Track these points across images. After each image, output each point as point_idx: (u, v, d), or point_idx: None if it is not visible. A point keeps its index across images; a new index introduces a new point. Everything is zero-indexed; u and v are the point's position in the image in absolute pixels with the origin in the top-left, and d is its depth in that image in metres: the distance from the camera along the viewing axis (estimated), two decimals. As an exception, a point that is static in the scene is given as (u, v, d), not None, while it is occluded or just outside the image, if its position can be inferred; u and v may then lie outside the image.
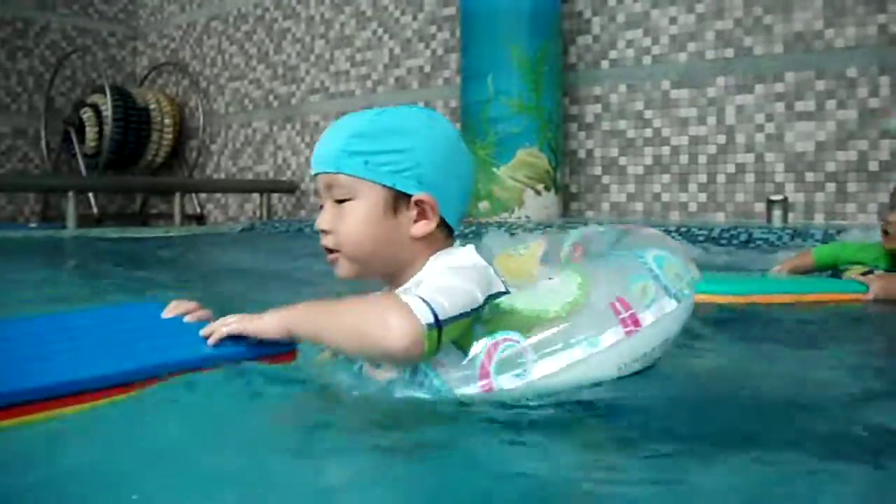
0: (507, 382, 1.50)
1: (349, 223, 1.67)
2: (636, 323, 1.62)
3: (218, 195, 11.55)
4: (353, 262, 1.71)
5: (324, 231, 1.70)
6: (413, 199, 1.67)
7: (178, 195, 9.50)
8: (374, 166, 1.66)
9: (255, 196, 10.56)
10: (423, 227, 1.69)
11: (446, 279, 1.55)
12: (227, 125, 11.46)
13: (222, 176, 11.56)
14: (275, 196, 10.58)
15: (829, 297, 3.06)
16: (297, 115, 10.45)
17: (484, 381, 1.50)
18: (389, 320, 1.42)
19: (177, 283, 4.46)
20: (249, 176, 11.10)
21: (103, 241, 7.53)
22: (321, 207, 1.71)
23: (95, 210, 10.96)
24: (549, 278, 1.78)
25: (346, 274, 1.73)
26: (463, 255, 1.70)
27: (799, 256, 3.66)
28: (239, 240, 8.24)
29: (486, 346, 1.51)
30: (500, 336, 1.53)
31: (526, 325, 1.55)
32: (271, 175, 10.78)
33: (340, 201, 1.67)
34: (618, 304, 1.62)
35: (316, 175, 1.70)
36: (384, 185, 1.66)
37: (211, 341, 1.56)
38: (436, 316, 1.43)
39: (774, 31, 6.99)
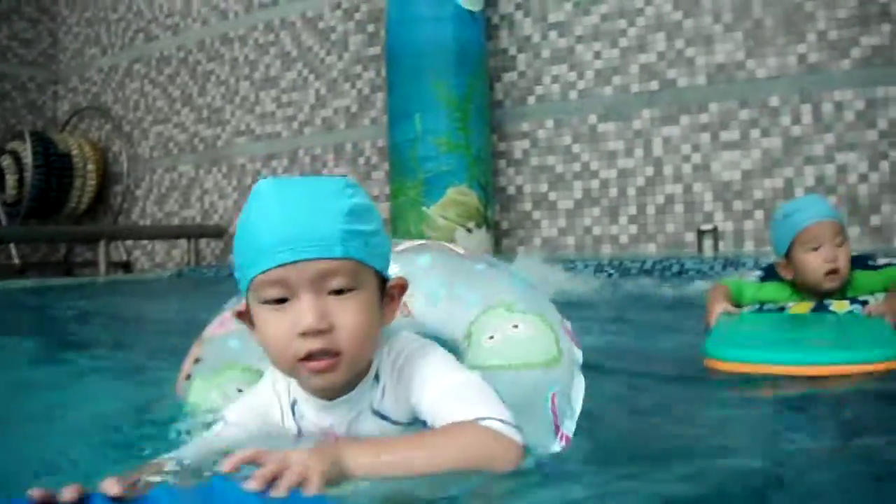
0: (569, 428, 1.56)
1: (356, 319, 1.40)
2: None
3: (144, 241, 11.32)
4: (351, 366, 1.43)
5: (318, 332, 1.37)
6: (389, 284, 1.52)
7: (102, 243, 9.26)
8: (373, 248, 1.44)
9: (183, 242, 10.36)
10: (393, 312, 1.55)
11: (459, 378, 1.49)
12: (152, 169, 11.25)
13: (148, 222, 11.34)
14: (203, 241, 10.39)
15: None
16: (224, 157, 10.30)
17: (560, 434, 1.53)
18: (495, 454, 1.35)
19: (102, 336, 4.32)
20: (176, 221, 10.89)
21: (25, 294, 7.31)
22: (276, 301, 1.39)
23: (17, 261, 10.67)
24: (515, 326, 1.73)
25: (336, 383, 1.44)
26: (407, 338, 1.59)
27: (716, 298, 3.15)
28: (167, 287, 8.09)
29: (548, 400, 1.54)
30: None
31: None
32: (199, 220, 10.59)
33: (337, 292, 1.40)
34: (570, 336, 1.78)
35: (288, 264, 1.35)
36: (376, 272, 1.47)
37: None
38: (515, 426, 1.39)
39: (697, 63, 7.07)
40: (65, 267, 11.76)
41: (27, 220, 11.09)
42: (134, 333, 4.54)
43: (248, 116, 10.04)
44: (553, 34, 7.74)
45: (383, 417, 1.51)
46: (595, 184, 7.52)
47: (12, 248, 10.73)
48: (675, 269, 5.78)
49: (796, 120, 6.71)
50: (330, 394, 1.49)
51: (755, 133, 6.85)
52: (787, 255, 3.11)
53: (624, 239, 7.39)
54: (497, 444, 1.35)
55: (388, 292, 1.52)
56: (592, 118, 7.54)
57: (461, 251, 2.04)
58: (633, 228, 7.34)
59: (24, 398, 2.53)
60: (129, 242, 11.45)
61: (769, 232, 3.29)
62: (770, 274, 3.35)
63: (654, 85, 7.26)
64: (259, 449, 1.18)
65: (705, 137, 7.03)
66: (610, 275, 5.87)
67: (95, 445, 1.79)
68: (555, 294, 4.56)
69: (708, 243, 6.42)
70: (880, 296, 3.01)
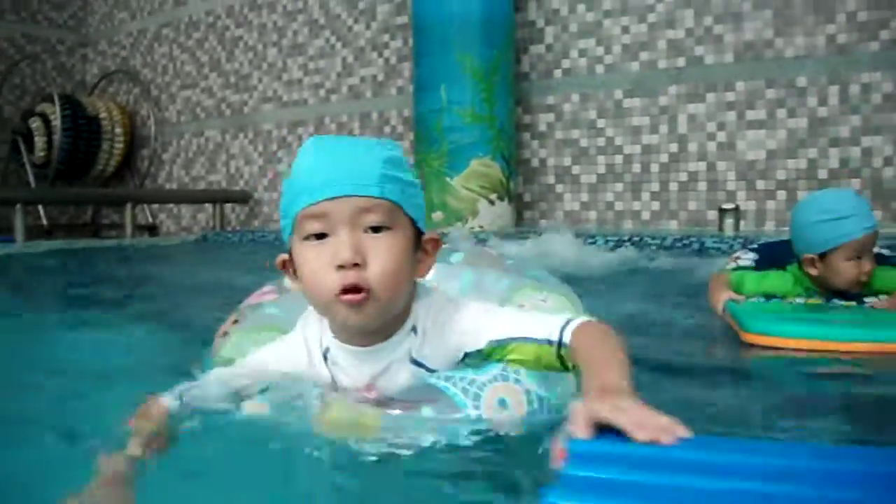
0: None
1: (388, 257, 1.48)
2: None
3: (170, 205, 11.42)
4: (383, 305, 1.49)
5: (352, 266, 1.44)
6: (423, 237, 1.60)
7: (129, 206, 9.35)
8: (408, 197, 1.53)
9: (208, 206, 10.45)
10: (428, 267, 1.62)
11: (512, 309, 1.71)
12: (180, 134, 11.34)
13: (174, 186, 11.44)
14: (228, 206, 10.46)
15: None
16: (250, 123, 10.36)
17: None
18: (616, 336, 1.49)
19: (128, 300, 4.37)
20: (202, 185, 10.98)
21: (53, 255, 7.40)
22: (316, 237, 1.47)
23: (45, 222, 10.79)
24: (543, 300, 1.93)
25: (368, 322, 1.50)
26: (442, 295, 1.69)
27: (717, 287, 3.21)
28: (192, 251, 8.16)
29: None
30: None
31: None
32: (224, 185, 10.67)
33: (375, 230, 1.48)
34: None
35: (331, 199, 1.45)
36: (411, 220, 1.55)
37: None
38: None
39: (725, 41, 7.04)
40: (92, 229, 11.87)
41: (55, 182, 11.20)
42: (161, 297, 4.60)
43: (275, 83, 10.08)
44: (581, 7, 7.72)
45: (419, 365, 1.58)
46: (619, 159, 7.52)
47: (40, 209, 10.84)
48: (696, 246, 5.77)
49: (823, 101, 6.68)
50: (364, 340, 1.56)
51: (781, 113, 6.82)
52: (823, 254, 3.01)
53: (646, 215, 7.39)
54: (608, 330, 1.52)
55: (423, 246, 1.59)
56: (618, 93, 7.53)
57: (493, 252, 2.27)
58: (656, 205, 7.35)
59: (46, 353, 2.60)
60: (156, 206, 11.56)
61: (800, 222, 3.09)
62: (766, 257, 3.36)
63: (681, 61, 7.23)
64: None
65: (731, 116, 7.00)
66: (627, 248, 5.87)
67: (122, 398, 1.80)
68: (576, 268, 4.63)
69: (729, 222, 6.41)
70: (883, 297, 3.03)
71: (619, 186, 7.52)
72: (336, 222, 1.46)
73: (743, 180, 6.95)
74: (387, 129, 8.96)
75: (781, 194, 6.80)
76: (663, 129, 7.30)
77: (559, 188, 7.87)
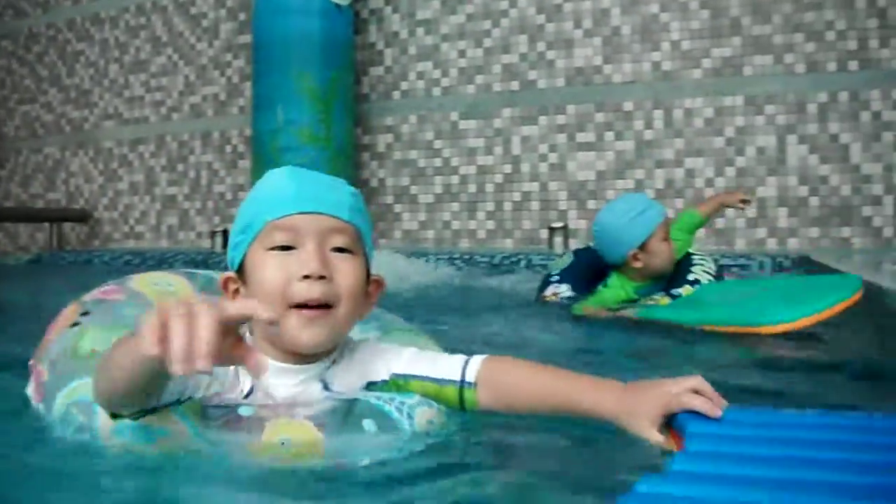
0: None
1: (353, 278, 1.53)
2: None
3: (7, 224, 11.00)
4: (339, 324, 1.53)
5: (318, 278, 1.47)
6: (372, 278, 1.66)
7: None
8: (367, 233, 1.60)
9: (47, 225, 10.12)
10: (369, 308, 1.68)
11: (415, 349, 1.69)
12: (17, 150, 10.94)
13: (12, 204, 11.03)
14: (67, 225, 10.15)
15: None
16: (91, 140, 10.09)
17: None
18: None
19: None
20: (41, 204, 10.63)
21: None
22: (281, 249, 1.49)
23: None
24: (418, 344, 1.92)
25: (324, 340, 1.52)
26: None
27: (599, 311, 3.47)
28: (24, 272, 7.90)
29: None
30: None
31: None
32: (64, 203, 10.36)
33: (340, 250, 1.53)
34: None
35: (303, 213, 1.49)
36: (365, 258, 1.61)
37: None
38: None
39: (557, 66, 7.27)
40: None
41: None
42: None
43: (116, 100, 9.85)
44: (420, 31, 7.85)
45: (326, 387, 1.59)
46: (455, 179, 7.66)
47: None
48: (523, 264, 5.94)
49: (648, 124, 6.97)
50: (295, 357, 1.56)
51: (609, 135, 7.08)
52: (643, 245, 3.50)
53: (482, 234, 7.54)
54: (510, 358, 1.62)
55: (367, 287, 1.64)
56: (454, 115, 7.67)
57: None
58: (491, 224, 7.51)
59: None
60: (-8, 225, 11.13)
61: (613, 229, 3.56)
62: (572, 279, 3.89)
63: (514, 85, 7.43)
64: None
65: (562, 138, 7.23)
66: (460, 268, 5.99)
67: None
68: (402, 287, 4.68)
69: (558, 240, 6.61)
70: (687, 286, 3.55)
71: (456, 206, 7.66)
72: (304, 236, 1.49)
73: (574, 200, 7.18)
74: (228, 149, 8.87)
75: (610, 214, 7.03)
76: (498, 150, 7.47)
77: (398, 208, 7.95)
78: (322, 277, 1.47)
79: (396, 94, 7.96)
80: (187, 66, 9.21)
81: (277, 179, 1.57)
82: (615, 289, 3.60)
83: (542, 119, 7.31)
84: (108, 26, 9.94)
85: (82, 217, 9.97)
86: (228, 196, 8.83)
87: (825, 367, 2.42)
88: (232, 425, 1.41)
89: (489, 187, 7.51)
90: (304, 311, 1.47)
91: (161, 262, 7.54)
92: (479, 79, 7.58)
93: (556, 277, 3.97)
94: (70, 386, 1.59)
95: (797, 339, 2.67)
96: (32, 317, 4.22)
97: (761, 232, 6.63)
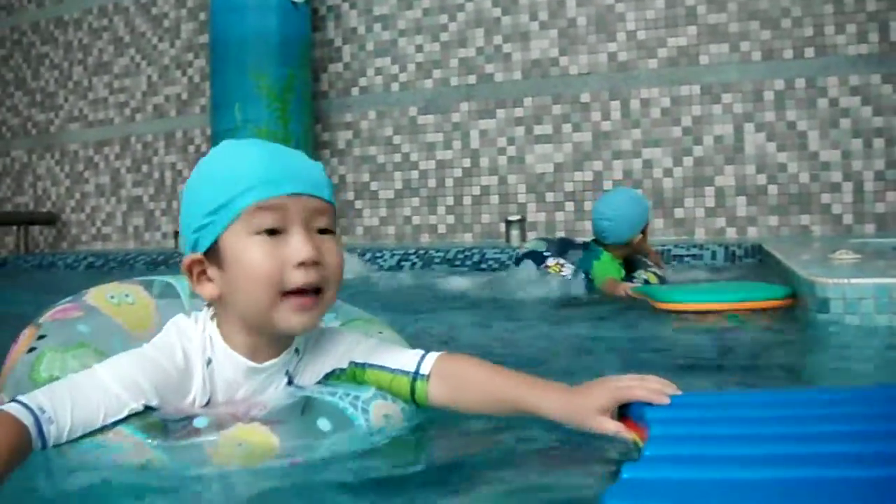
0: None
1: (339, 259, 1.49)
2: None
3: (-24, 229, 10.96)
4: (325, 308, 1.50)
5: (313, 264, 1.43)
6: None
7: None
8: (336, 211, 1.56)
9: (15, 228, 10.06)
10: None
11: (376, 339, 1.72)
12: (-16, 155, 10.90)
13: (-19, 208, 10.98)
14: (35, 228, 10.11)
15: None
16: (56, 143, 10.04)
17: None
18: None
19: None
20: (9, 207, 10.57)
21: None
22: (268, 233, 1.42)
23: None
24: (380, 332, 1.89)
25: (313, 325, 1.50)
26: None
27: (615, 284, 3.98)
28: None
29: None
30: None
31: None
32: (32, 206, 10.31)
33: (323, 232, 1.47)
34: None
35: (290, 195, 1.42)
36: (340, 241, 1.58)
37: None
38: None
39: (513, 59, 7.26)
40: None
41: None
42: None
43: (80, 102, 9.80)
44: (377, 26, 7.84)
45: (290, 382, 1.57)
46: (415, 174, 7.64)
47: None
48: (476, 258, 5.91)
49: (606, 115, 6.96)
50: (261, 354, 1.53)
51: (567, 127, 7.07)
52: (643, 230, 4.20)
53: (442, 229, 7.53)
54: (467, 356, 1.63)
55: None
56: (413, 110, 7.66)
57: None
58: (451, 218, 7.49)
59: None
60: (-39, 230, 11.06)
61: (627, 213, 4.14)
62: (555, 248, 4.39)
63: (472, 79, 7.42)
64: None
65: (520, 131, 7.22)
66: (413, 265, 5.96)
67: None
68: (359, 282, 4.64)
69: (515, 233, 6.58)
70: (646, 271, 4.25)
71: (416, 201, 7.64)
72: (291, 219, 1.42)
73: (533, 193, 7.17)
74: (191, 148, 8.84)
75: (570, 205, 7.04)
76: (457, 144, 7.46)
77: (358, 204, 7.93)
78: (316, 263, 1.42)
79: (355, 91, 7.94)
80: (150, 66, 9.17)
81: (251, 155, 1.46)
82: (607, 263, 4.13)
83: (500, 112, 7.30)
84: (71, 28, 9.89)
85: (50, 220, 9.93)
86: (193, 196, 8.75)
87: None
88: (190, 436, 1.37)
89: (449, 182, 7.50)
90: (300, 299, 1.43)
91: (122, 263, 7.52)
92: (437, 73, 7.57)
93: (548, 252, 4.34)
94: None
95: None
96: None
97: (720, 221, 6.62)
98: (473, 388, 1.52)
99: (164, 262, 7.12)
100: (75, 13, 9.84)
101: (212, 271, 1.48)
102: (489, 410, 1.52)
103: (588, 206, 6.91)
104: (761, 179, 6.56)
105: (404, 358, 1.59)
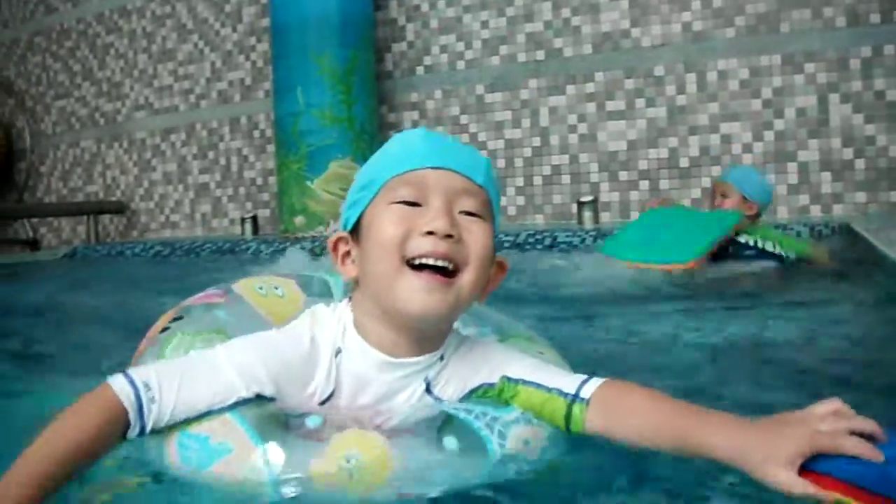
0: None
1: (484, 242, 1.36)
2: None
3: (50, 218, 11.06)
4: (461, 296, 1.35)
5: (444, 237, 1.31)
6: (497, 260, 1.46)
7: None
8: (497, 207, 1.45)
9: (86, 218, 10.12)
10: (490, 290, 1.48)
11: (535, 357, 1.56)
12: (55, 146, 10.97)
13: (53, 198, 11.07)
14: (106, 217, 10.17)
15: None
16: (124, 132, 10.06)
17: None
18: None
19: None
20: (80, 197, 10.64)
21: None
22: (406, 204, 1.34)
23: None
24: (540, 353, 1.67)
25: (440, 310, 1.33)
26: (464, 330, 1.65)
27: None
28: (59, 267, 7.86)
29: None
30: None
31: None
32: (102, 196, 10.36)
33: (469, 214, 1.36)
34: None
35: (434, 168, 1.35)
36: (492, 231, 1.42)
37: None
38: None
39: (583, 32, 7.02)
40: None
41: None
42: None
43: (146, 90, 9.80)
44: (441, 3, 7.64)
45: (428, 391, 1.43)
46: (483, 154, 7.41)
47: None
48: (548, 241, 5.70)
49: (681, 89, 6.69)
50: (400, 348, 1.40)
51: (640, 103, 6.81)
52: None
53: (512, 210, 7.33)
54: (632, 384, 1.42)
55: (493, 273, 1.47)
56: (480, 88, 7.45)
57: None
58: (521, 200, 7.29)
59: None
60: (36, 220, 11.18)
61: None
62: None
63: (540, 54, 7.19)
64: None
65: (591, 107, 6.98)
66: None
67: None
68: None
69: (588, 215, 6.35)
70: None
71: (485, 183, 7.42)
72: (432, 193, 1.34)
73: (606, 171, 6.93)
74: (256, 134, 8.77)
75: (644, 184, 6.79)
76: (525, 122, 7.25)
77: (426, 187, 7.74)
78: (449, 237, 1.30)
79: (420, 70, 7.76)
80: (213, 52, 9.11)
81: (407, 137, 1.44)
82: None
83: (570, 88, 7.05)
84: (135, 17, 9.88)
85: (119, 209, 9.99)
86: (259, 181, 8.73)
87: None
88: (299, 437, 1.27)
89: (518, 161, 7.29)
90: (424, 275, 1.30)
91: (189, 251, 7.47)
92: (504, 49, 7.34)
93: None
94: None
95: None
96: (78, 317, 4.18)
97: (804, 199, 6.31)
98: (635, 416, 1.31)
99: (231, 249, 7.04)
100: (138, 2, 9.82)
101: (354, 249, 1.44)
102: (649, 443, 1.28)
103: (664, 184, 6.67)
104: (847, 153, 6.22)
105: (564, 380, 1.41)
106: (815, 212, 6.28)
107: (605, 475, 1.35)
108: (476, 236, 1.34)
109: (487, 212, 1.39)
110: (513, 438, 1.32)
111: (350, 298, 1.47)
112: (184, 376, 1.29)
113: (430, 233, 1.30)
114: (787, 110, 6.36)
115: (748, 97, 6.47)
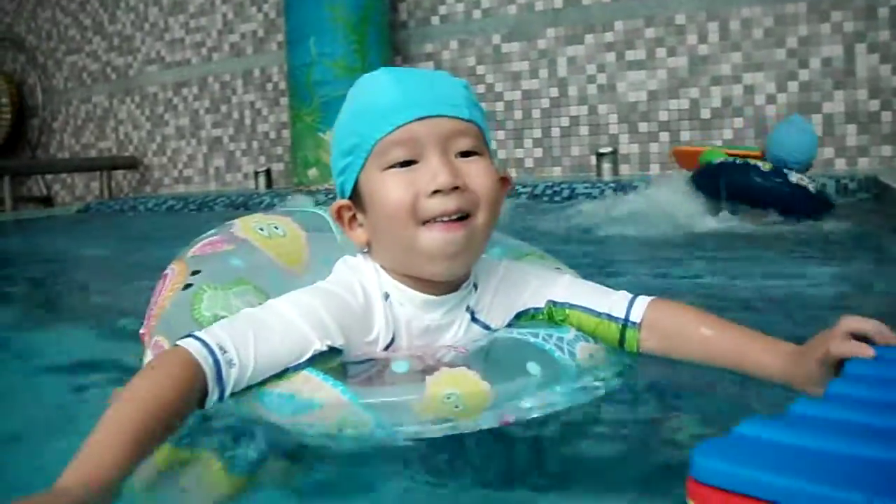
0: None
1: (487, 181, 1.33)
2: None
3: (64, 175, 10.99)
4: (479, 234, 1.34)
5: (451, 189, 1.29)
6: (501, 176, 1.41)
7: (6, 178, 8.93)
8: (487, 130, 1.40)
9: (99, 174, 10.06)
10: (500, 211, 1.44)
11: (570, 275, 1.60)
12: (68, 102, 10.88)
13: (66, 155, 11.01)
14: (119, 173, 10.10)
15: None
16: (136, 87, 9.96)
17: None
18: None
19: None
20: (93, 153, 10.57)
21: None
22: (401, 165, 1.30)
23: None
24: (557, 268, 1.72)
25: (467, 257, 1.36)
26: (491, 255, 1.63)
27: None
28: (73, 222, 7.81)
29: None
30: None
31: None
32: (115, 151, 10.28)
33: (465, 155, 1.33)
34: None
35: (419, 120, 1.30)
36: (491, 162, 1.39)
37: None
38: None
39: (602, -21, 6.85)
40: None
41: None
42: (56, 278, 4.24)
43: (157, 43, 9.69)
44: (457, -49, 7.49)
45: (474, 320, 1.45)
46: (500, 106, 7.33)
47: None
48: (566, 193, 5.59)
49: (703, 38, 6.53)
50: (433, 287, 1.39)
51: (661, 52, 6.66)
52: None
53: (529, 163, 7.22)
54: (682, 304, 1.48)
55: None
56: (496, 38, 7.32)
57: None
58: (539, 152, 7.18)
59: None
60: (49, 177, 11.13)
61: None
62: None
63: (558, 3, 7.05)
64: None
65: (610, 57, 6.84)
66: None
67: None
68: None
69: (607, 166, 6.24)
70: None
71: (502, 134, 7.33)
72: (425, 147, 1.30)
73: (625, 123, 6.81)
74: (269, 86, 8.66)
75: (664, 136, 6.66)
76: (543, 73, 7.11)
77: (441, 139, 7.63)
78: (455, 189, 1.29)
79: (435, 20, 7.62)
80: (224, 3, 8.99)
81: (377, 85, 1.35)
82: None
83: (589, 37, 6.91)
84: (145, -33, 9.75)
85: (132, 164, 9.93)
86: (272, 135, 8.64)
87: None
88: (386, 384, 1.26)
89: (535, 113, 7.17)
90: (440, 227, 1.29)
91: (202, 205, 7.40)
92: (521, -2, 7.20)
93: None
94: None
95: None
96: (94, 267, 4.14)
97: (828, 151, 6.16)
98: (691, 341, 1.37)
99: (245, 203, 6.96)
100: (149, -47, 9.69)
101: (360, 216, 1.41)
102: (706, 363, 1.36)
103: (684, 136, 6.53)
104: (874, 105, 6.06)
105: (611, 301, 1.45)
106: (841, 165, 6.14)
107: (672, 389, 1.45)
108: (479, 179, 1.32)
109: (481, 145, 1.36)
110: (580, 355, 1.37)
111: (367, 250, 1.45)
112: (257, 335, 1.23)
113: (436, 191, 1.28)
114: (812, 60, 6.20)
115: (772, 46, 6.31)
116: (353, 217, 1.42)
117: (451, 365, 1.28)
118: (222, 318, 1.36)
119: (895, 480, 0.72)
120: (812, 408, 0.91)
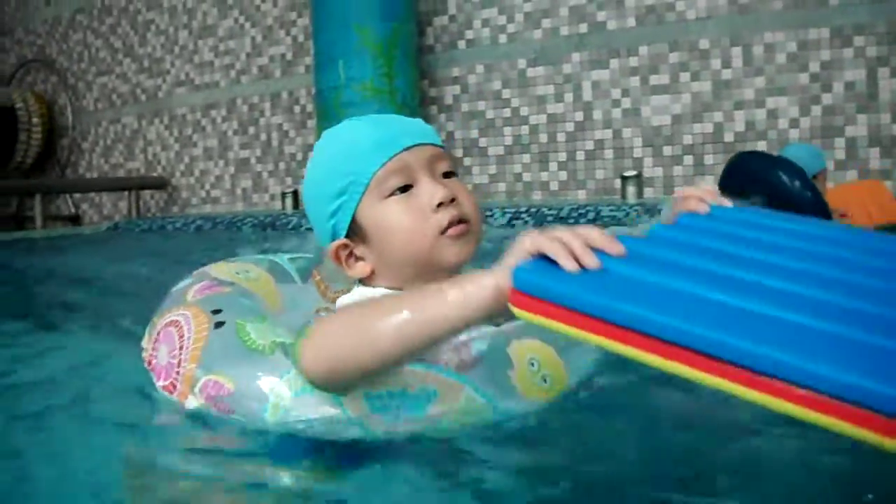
0: None
1: (468, 195, 1.55)
2: None
3: (92, 194, 11.14)
4: (477, 240, 1.54)
5: (450, 201, 1.48)
6: None
7: (37, 197, 9.09)
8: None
9: (127, 193, 10.20)
10: None
11: None
12: (97, 122, 11.04)
13: (95, 174, 11.16)
14: (147, 193, 10.23)
15: None
16: (165, 108, 10.11)
17: None
18: None
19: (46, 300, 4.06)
20: (122, 173, 10.72)
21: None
22: (400, 191, 1.48)
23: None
24: None
25: (469, 255, 1.51)
26: None
27: None
28: (102, 240, 7.92)
29: None
30: None
31: None
32: (143, 171, 10.43)
33: (446, 175, 1.54)
34: None
35: (408, 149, 1.50)
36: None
37: None
38: None
39: (626, 5, 6.92)
40: (16, 221, 11.58)
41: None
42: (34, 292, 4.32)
43: (187, 66, 9.83)
44: (483, -24, 7.58)
45: None
46: (525, 129, 7.39)
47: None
48: (591, 216, 5.65)
49: (727, 63, 6.58)
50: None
51: (685, 76, 6.71)
52: None
53: (554, 185, 7.27)
54: None
55: None
56: (522, 63, 7.39)
57: None
58: (563, 175, 7.23)
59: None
60: (77, 196, 11.28)
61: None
62: None
63: (583, 28, 7.11)
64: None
65: (635, 81, 6.89)
66: (526, 222, 5.73)
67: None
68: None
69: (631, 189, 6.29)
70: None
71: (527, 157, 7.39)
72: (416, 171, 1.49)
73: (649, 146, 6.85)
74: (296, 109, 8.77)
75: (688, 159, 6.70)
76: (568, 97, 7.17)
77: (467, 161, 7.71)
78: (453, 201, 1.48)
79: (462, 44, 7.70)
80: (253, 27, 9.11)
81: (357, 130, 1.55)
82: None
83: (614, 62, 6.97)
84: (176, -8, 9.91)
85: (160, 184, 10.04)
86: (299, 157, 8.74)
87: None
88: (473, 365, 1.39)
89: (560, 136, 7.22)
90: (453, 230, 1.46)
91: (230, 225, 7.48)
92: (546, 23, 7.26)
93: None
94: (287, 377, 1.39)
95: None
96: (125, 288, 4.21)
97: (852, 174, 6.20)
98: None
99: (272, 224, 7.04)
100: (180, -23, 9.84)
101: (359, 250, 1.55)
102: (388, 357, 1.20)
103: (708, 159, 6.59)
104: (897, 129, 6.08)
105: None
106: (864, 188, 6.17)
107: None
108: (464, 194, 1.52)
109: (455, 166, 1.61)
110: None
111: (365, 281, 1.60)
112: None
113: (440, 204, 1.46)
114: (835, 84, 6.25)
115: (795, 71, 6.36)
116: (350, 254, 1.56)
117: (521, 338, 1.46)
118: (281, 343, 1.45)
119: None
120: (632, 242, 1.03)
